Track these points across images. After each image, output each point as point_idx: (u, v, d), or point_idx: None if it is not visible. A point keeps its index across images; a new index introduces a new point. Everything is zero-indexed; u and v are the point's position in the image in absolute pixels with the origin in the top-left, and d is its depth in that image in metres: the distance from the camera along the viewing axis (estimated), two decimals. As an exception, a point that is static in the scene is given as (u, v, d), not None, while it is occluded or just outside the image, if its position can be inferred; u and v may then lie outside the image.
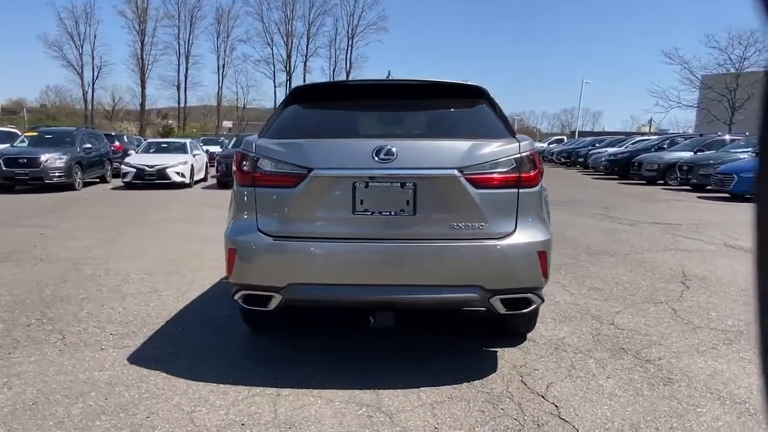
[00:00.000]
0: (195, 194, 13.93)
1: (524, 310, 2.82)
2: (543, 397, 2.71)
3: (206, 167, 18.64)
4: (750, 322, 3.83)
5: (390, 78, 3.19)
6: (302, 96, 3.27)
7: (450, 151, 2.72)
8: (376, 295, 2.73)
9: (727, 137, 17.30)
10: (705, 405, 2.62)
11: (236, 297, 2.93)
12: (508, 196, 2.72)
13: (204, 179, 17.76)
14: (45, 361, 3.10)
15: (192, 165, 16.13)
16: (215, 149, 24.37)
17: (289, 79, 58.09)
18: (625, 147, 21.67)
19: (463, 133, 2.90)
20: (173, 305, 4.20)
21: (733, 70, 30.38)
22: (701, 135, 18.93)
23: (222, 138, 32.41)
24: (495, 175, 2.70)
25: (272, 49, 57.93)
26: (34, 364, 3.06)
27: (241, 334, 3.60)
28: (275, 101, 57.24)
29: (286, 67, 57.80)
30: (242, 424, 2.45)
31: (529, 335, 3.53)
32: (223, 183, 15.31)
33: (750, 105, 28.64)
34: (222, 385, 2.82)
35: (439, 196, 2.70)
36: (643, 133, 39.15)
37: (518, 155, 2.73)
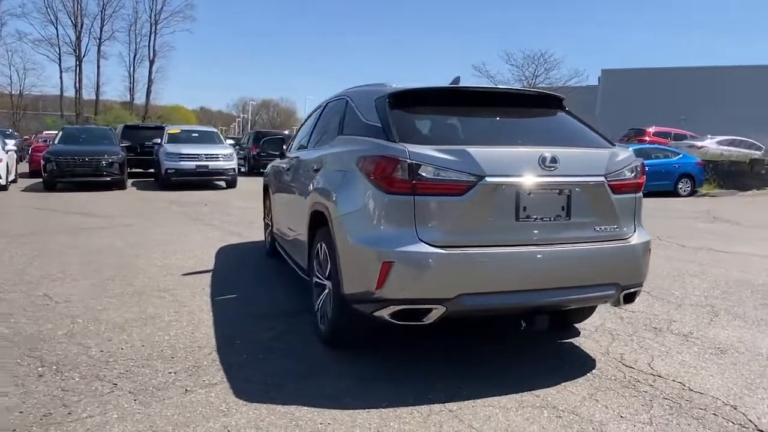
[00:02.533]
0: (23, 199, 11.62)
1: (634, 302, 3.19)
2: (658, 375, 3.10)
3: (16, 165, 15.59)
4: None
5: (486, 86, 3.27)
6: (408, 100, 3.16)
7: (598, 158, 2.96)
8: (536, 300, 2.84)
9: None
10: None
11: (384, 314, 2.75)
12: (631, 200, 3.05)
13: (15, 180, 14.83)
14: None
15: (7, 163, 13.36)
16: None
17: (79, 64, 50.80)
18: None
19: (582, 141, 3.13)
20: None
21: (526, 84, 35.66)
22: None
23: (9, 131, 27.03)
24: (627, 181, 3.01)
25: (57, 28, 49.95)
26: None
27: (321, 357, 3.33)
28: (61, 87, 49.69)
29: (75, 50, 50.41)
30: (460, 443, 2.36)
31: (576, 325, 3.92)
32: (51, 185, 13.02)
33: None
34: (374, 410, 2.63)
35: (588, 201, 2.91)
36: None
37: (636, 162, 3.09)
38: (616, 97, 35.59)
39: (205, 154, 13.83)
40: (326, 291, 3.44)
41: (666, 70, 35.89)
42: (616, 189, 2.97)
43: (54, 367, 3.03)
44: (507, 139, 3.00)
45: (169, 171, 13.50)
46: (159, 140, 14.77)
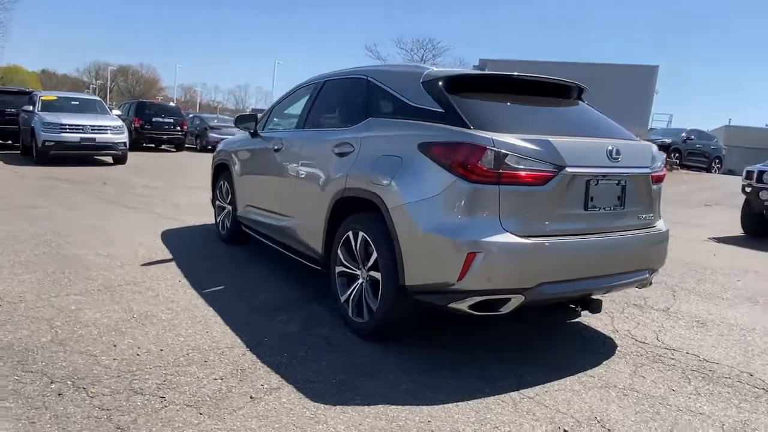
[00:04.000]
0: None
1: (650, 285, 3.48)
2: (673, 349, 3.43)
3: None
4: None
5: (533, 75, 3.28)
6: (464, 85, 3.08)
7: (646, 151, 3.13)
8: (595, 286, 2.97)
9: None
10: None
11: (462, 305, 2.69)
12: (658, 190, 3.29)
13: None
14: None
15: None
16: None
17: None
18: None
19: (624, 134, 3.28)
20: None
21: (416, 69, 36.48)
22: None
23: None
24: (660, 173, 3.24)
25: None
26: None
27: (368, 350, 3.18)
28: None
29: None
30: (565, 431, 2.41)
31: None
32: None
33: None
34: (462, 403, 2.60)
35: (636, 191, 3.08)
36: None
37: (663, 156, 3.33)
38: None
39: (90, 126, 12.24)
40: (360, 282, 3.28)
41: (539, 63, 38.86)
42: (654, 180, 3.20)
43: (69, 383, 2.54)
44: (566, 128, 3.06)
45: (47, 144, 11.76)
46: (31, 107, 12.79)
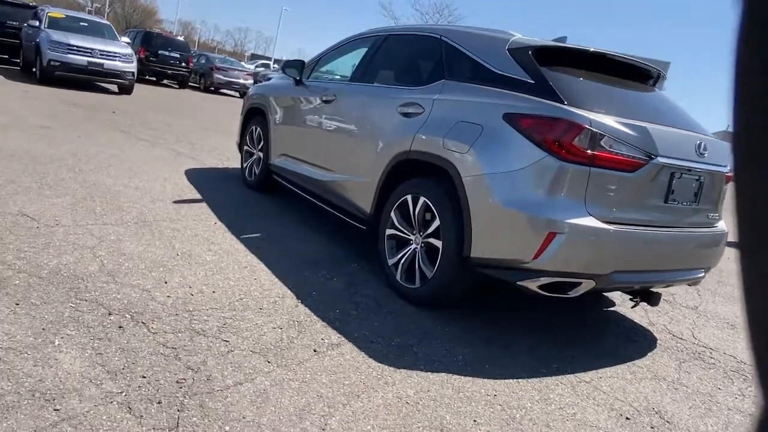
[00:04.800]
0: None
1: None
2: (710, 348, 3.47)
3: None
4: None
5: (623, 55, 3.18)
6: (553, 58, 2.96)
7: (725, 150, 3.07)
8: (661, 279, 2.95)
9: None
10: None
11: (532, 285, 2.66)
12: (726, 191, 3.26)
13: None
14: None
15: None
16: None
17: None
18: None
19: (698, 127, 3.21)
20: (262, 277, 3.21)
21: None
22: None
23: None
24: (730, 174, 3.20)
25: None
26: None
27: (419, 316, 3.14)
28: None
29: None
30: (627, 419, 2.42)
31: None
32: None
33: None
34: (523, 380, 2.60)
35: (710, 189, 3.04)
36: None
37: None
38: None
39: (100, 50, 11.78)
40: (414, 247, 3.23)
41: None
42: (726, 180, 3.15)
43: (128, 316, 2.47)
44: (654, 115, 2.97)
45: (53, 63, 11.29)
46: (37, 23, 12.23)
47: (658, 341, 3.43)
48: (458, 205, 2.88)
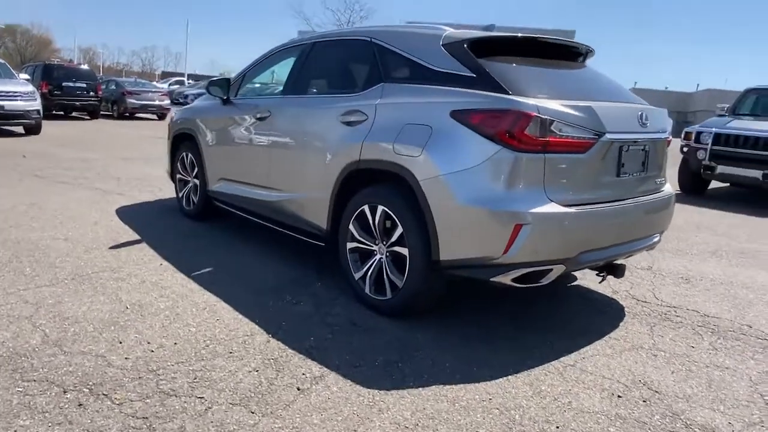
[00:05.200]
0: None
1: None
2: (674, 306, 3.59)
3: None
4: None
5: (553, 37, 3.18)
6: (488, 48, 2.93)
7: (663, 116, 3.14)
8: (622, 251, 2.99)
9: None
10: None
11: (505, 279, 2.62)
12: (667, 154, 3.36)
13: None
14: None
15: None
16: None
17: None
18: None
19: (633, 98, 3.26)
20: (224, 316, 3.02)
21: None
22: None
23: None
24: (670, 138, 3.30)
25: None
26: None
27: (395, 328, 3.05)
28: None
29: None
30: (619, 396, 2.44)
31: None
32: None
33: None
34: (512, 376, 2.57)
35: (655, 156, 3.11)
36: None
37: (671, 121, 3.39)
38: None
39: (-3, 92, 10.90)
40: (378, 258, 3.14)
41: (463, 25, 39.21)
42: (667, 144, 3.25)
43: (86, 390, 2.23)
44: (593, 93, 3.00)
45: (-55, 112, 10.35)
46: None
47: (626, 308, 3.52)
48: (419, 210, 2.81)
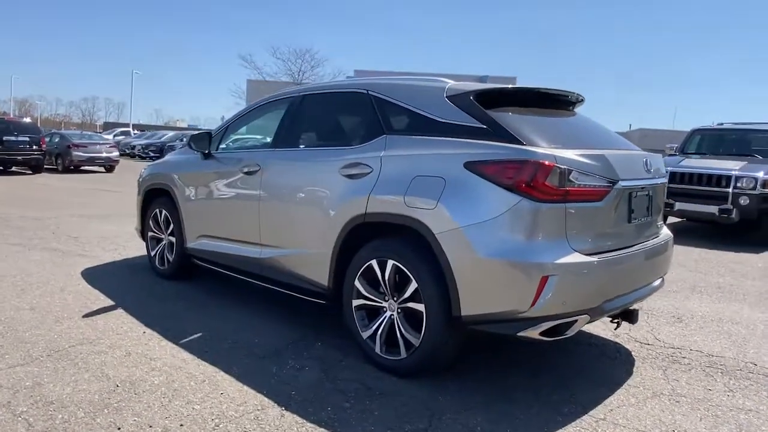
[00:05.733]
0: None
1: None
2: (677, 347, 3.60)
3: None
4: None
5: (552, 88, 3.23)
6: (494, 99, 2.93)
7: (660, 161, 3.21)
8: (640, 296, 2.99)
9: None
10: None
11: (533, 333, 2.54)
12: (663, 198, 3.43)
13: None
14: None
15: None
16: None
17: None
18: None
19: (630, 144, 3.33)
20: (228, 388, 2.78)
21: (291, 79, 36.14)
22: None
23: None
24: (667, 182, 3.38)
25: None
26: None
27: (416, 390, 2.89)
28: None
29: None
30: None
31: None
32: None
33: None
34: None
35: (657, 201, 3.17)
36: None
37: None
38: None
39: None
40: (389, 315, 3.00)
41: (414, 73, 40.45)
42: (665, 189, 3.33)
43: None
44: (597, 141, 3.04)
45: None
46: None
47: (632, 352, 3.50)
48: (436, 264, 2.72)
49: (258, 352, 3.28)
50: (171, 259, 4.77)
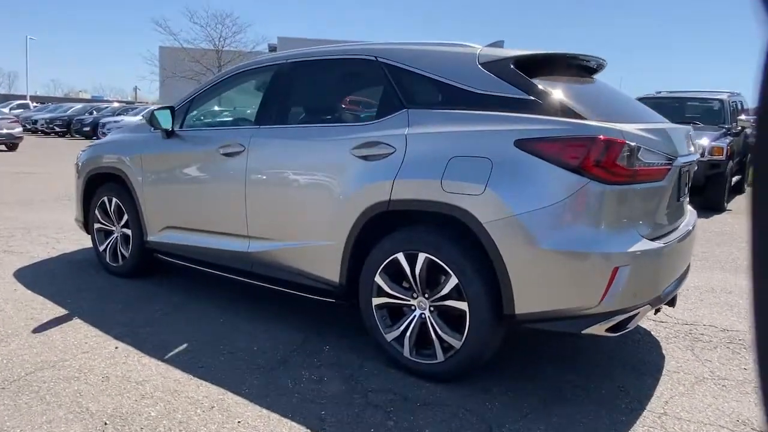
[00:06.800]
0: None
1: None
2: (694, 323, 3.54)
3: None
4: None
5: (586, 54, 2.94)
6: (534, 67, 2.59)
7: (689, 136, 3.01)
8: (683, 278, 2.81)
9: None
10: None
11: (599, 329, 2.30)
12: None
13: None
14: None
15: None
16: None
17: None
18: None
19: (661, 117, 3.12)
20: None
21: (212, 46, 33.87)
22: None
23: None
24: None
25: None
26: None
27: (457, 398, 2.58)
28: None
29: None
30: (737, 444, 2.22)
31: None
32: None
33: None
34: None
35: (690, 177, 2.99)
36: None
37: None
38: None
39: None
40: (419, 314, 2.66)
41: (336, 42, 39.25)
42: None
43: None
44: (640, 113, 2.79)
45: None
46: None
47: (653, 333, 3.39)
48: (484, 257, 2.40)
49: (262, 363, 2.84)
50: (126, 254, 4.13)
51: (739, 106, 9.86)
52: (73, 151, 18.34)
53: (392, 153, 2.66)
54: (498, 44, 3.01)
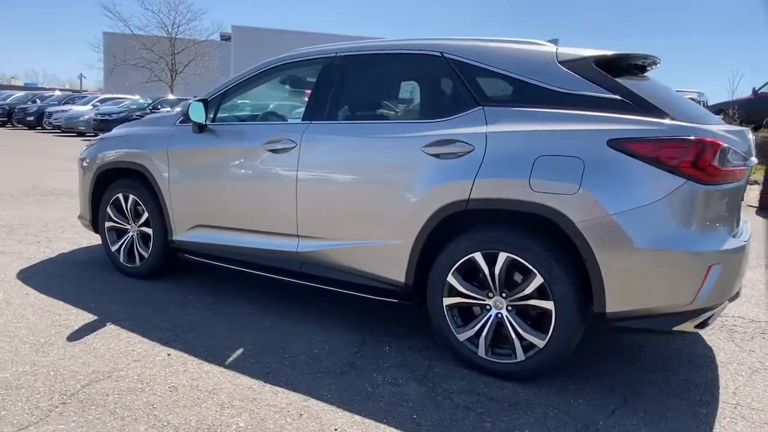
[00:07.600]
0: None
1: None
2: (727, 316, 3.69)
3: None
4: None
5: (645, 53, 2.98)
6: (613, 68, 2.62)
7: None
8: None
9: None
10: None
11: (688, 327, 2.36)
12: None
13: None
14: None
15: None
16: None
17: None
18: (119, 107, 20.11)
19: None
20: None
21: (165, 34, 32.51)
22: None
23: None
24: None
25: None
26: None
27: (529, 397, 2.59)
28: None
29: None
30: (817, 432, 2.33)
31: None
32: None
33: (188, 70, 32.28)
34: None
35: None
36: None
37: None
38: (248, 55, 36.17)
39: None
40: (495, 313, 2.65)
41: (292, 32, 38.53)
42: None
43: None
44: (704, 113, 2.85)
45: None
46: None
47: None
48: (570, 256, 2.41)
49: (331, 367, 2.75)
50: (146, 254, 3.91)
51: (703, 106, 10.37)
52: (18, 141, 17.24)
53: (471, 151, 2.62)
54: (554, 42, 3.02)
